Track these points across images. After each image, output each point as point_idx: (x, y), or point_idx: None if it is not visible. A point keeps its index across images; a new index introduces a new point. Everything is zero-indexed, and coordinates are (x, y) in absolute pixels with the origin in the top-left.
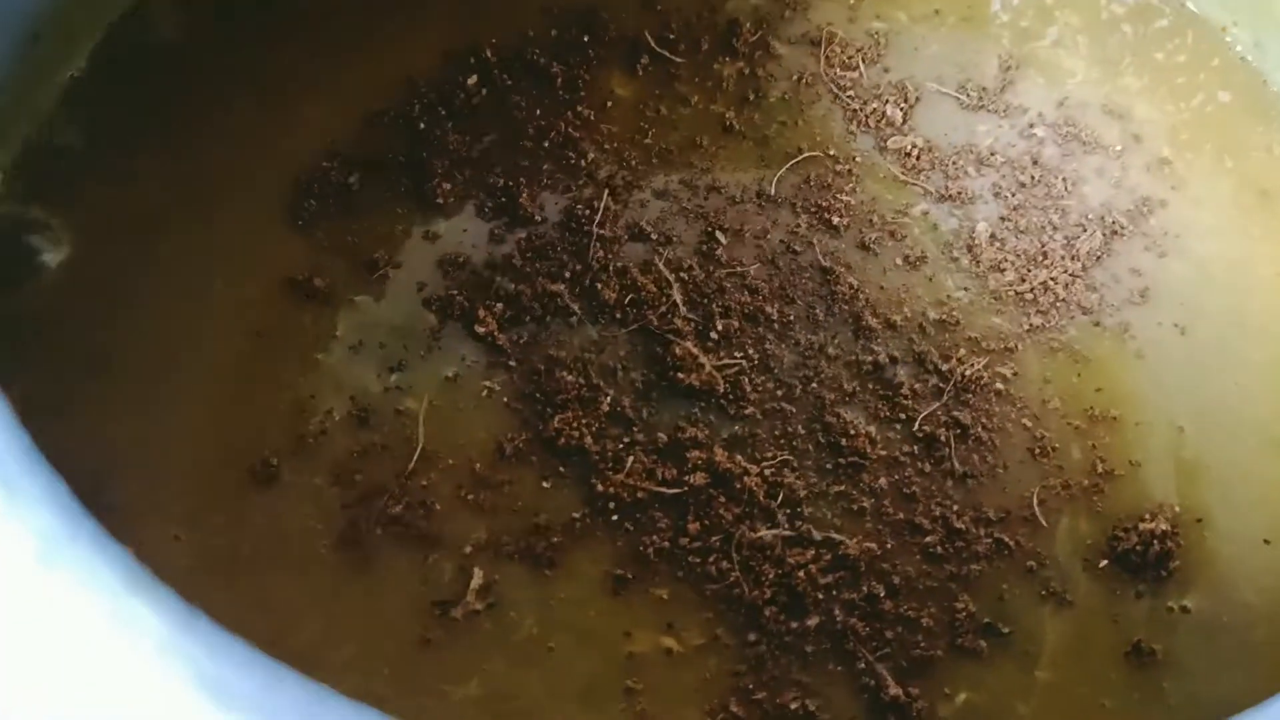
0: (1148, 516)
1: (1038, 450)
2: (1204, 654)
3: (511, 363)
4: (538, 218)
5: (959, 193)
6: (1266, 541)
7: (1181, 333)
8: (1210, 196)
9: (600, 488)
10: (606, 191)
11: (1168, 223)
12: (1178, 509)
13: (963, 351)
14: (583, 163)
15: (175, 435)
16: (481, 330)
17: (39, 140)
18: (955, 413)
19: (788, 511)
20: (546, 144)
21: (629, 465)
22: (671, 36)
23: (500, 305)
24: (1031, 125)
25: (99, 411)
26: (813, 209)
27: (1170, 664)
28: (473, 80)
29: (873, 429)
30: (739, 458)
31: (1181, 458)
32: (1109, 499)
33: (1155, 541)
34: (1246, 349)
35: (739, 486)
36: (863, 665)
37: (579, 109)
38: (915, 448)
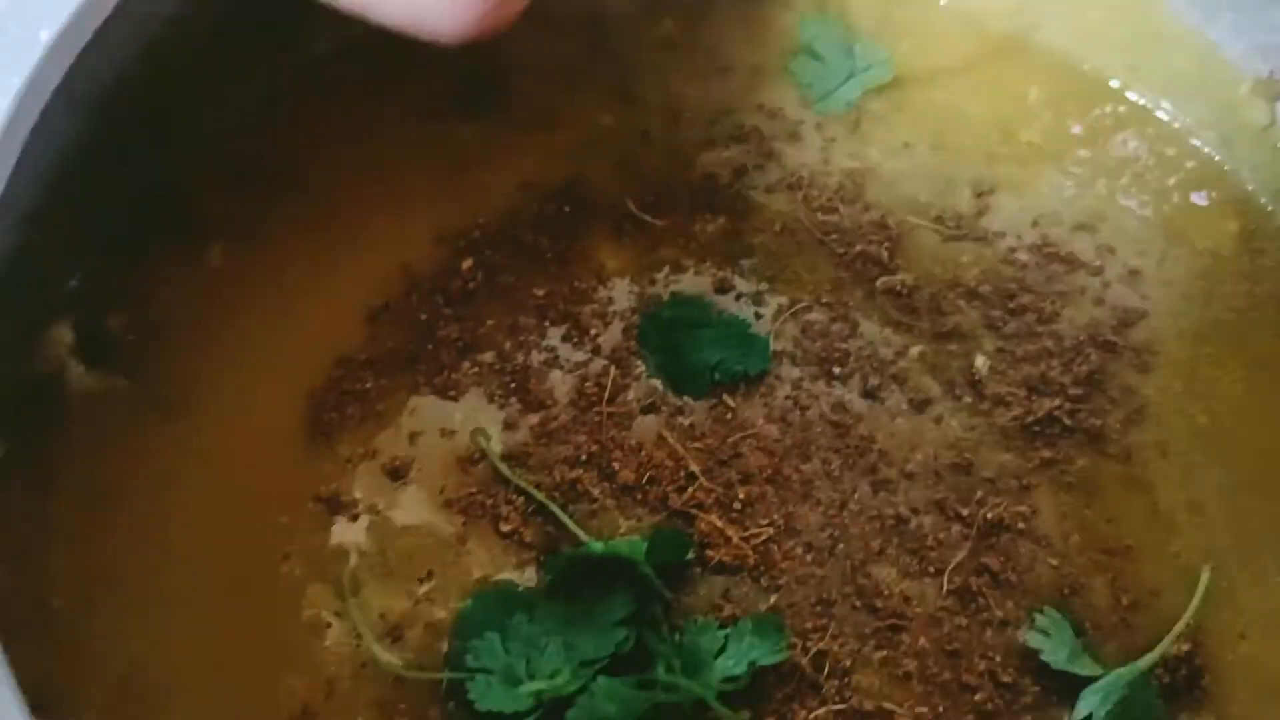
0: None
1: (1066, 589)
2: None
3: (541, 558)
4: (548, 401)
5: (954, 328)
6: (1242, 636)
7: (1163, 454)
8: (1175, 303)
9: None
10: (613, 366)
11: (1149, 335)
12: (1197, 629)
13: (980, 494)
14: (585, 338)
15: (207, 674)
16: (506, 528)
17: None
18: (983, 559)
19: (835, 683)
20: (547, 322)
21: None
22: (651, 199)
23: (522, 499)
24: (1012, 249)
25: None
26: (813, 360)
27: None
28: (468, 264)
29: (905, 586)
30: None
31: (1190, 579)
32: (1135, 630)
33: (1182, 666)
34: (1210, 466)
35: (784, 663)
36: None
37: (574, 283)
38: (950, 601)
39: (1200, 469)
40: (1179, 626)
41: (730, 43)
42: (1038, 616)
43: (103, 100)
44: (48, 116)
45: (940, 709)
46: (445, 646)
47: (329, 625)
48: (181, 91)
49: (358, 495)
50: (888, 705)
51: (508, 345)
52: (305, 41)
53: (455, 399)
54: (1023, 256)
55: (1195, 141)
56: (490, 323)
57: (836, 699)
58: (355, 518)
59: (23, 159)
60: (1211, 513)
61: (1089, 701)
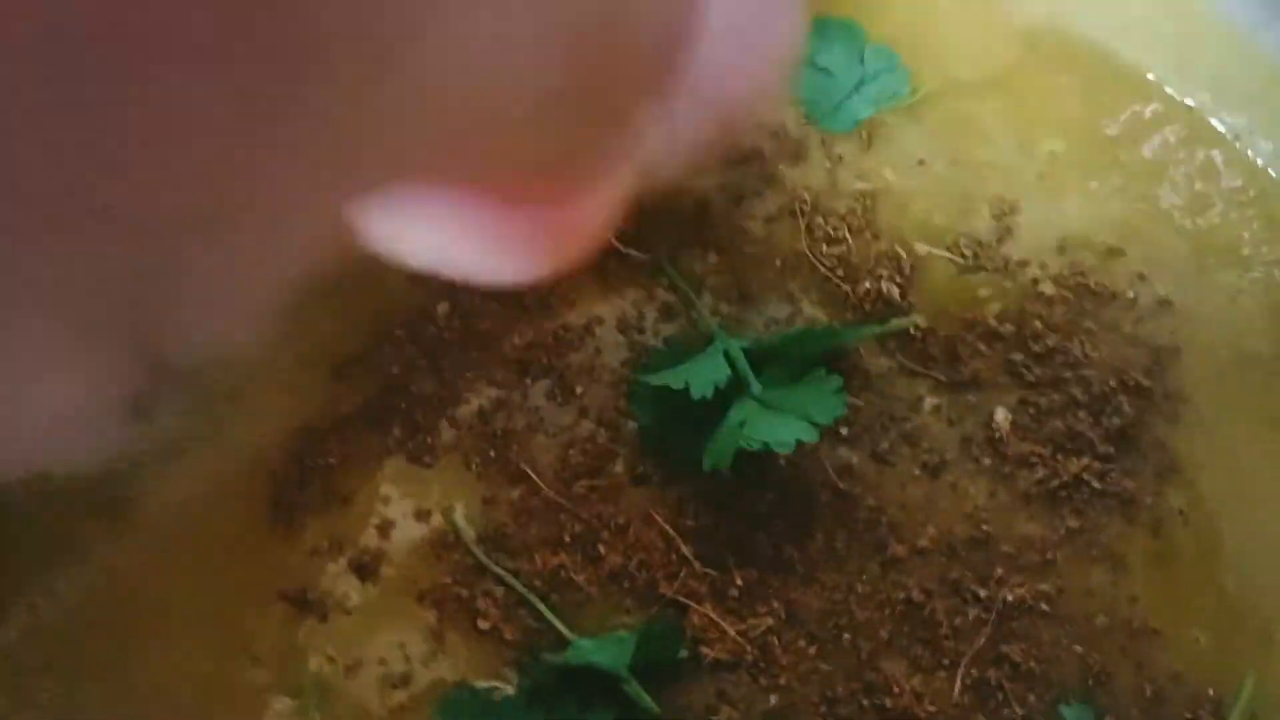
0: None
1: (1091, 680)
2: None
3: (523, 658)
4: (530, 472)
5: (972, 377)
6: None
7: (1186, 523)
8: (1204, 342)
9: None
10: (600, 430)
11: (1180, 379)
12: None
13: (1000, 572)
14: (571, 397)
15: None
16: (485, 625)
17: None
18: (1003, 647)
19: None
20: (529, 378)
21: None
22: (635, 231)
23: (501, 589)
24: (1036, 281)
25: None
26: None
27: None
28: (443, 308)
29: (917, 681)
30: None
31: (1209, 663)
32: None
33: None
34: (1228, 537)
35: None
36: None
37: (560, 331)
38: (966, 697)
39: (1219, 541)
40: None
41: None
42: (1066, 711)
43: None
44: None
45: None
46: None
47: None
48: None
49: (326, 592)
50: None
51: (488, 404)
52: None
53: (430, 466)
54: (1048, 289)
55: (1248, 151)
56: (469, 375)
57: None
58: (324, 618)
59: None
60: (1228, 591)
61: None
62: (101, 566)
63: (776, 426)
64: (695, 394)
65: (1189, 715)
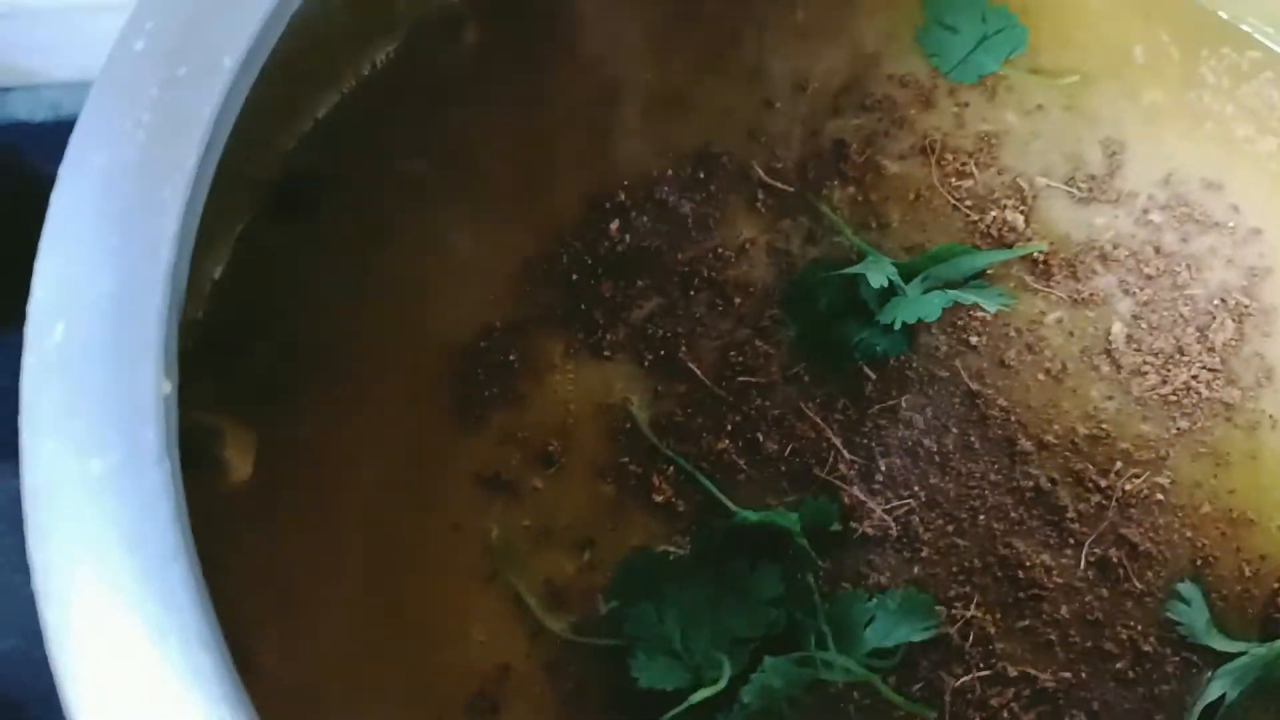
0: None
1: (1200, 560)
2: None
3: (694, 526)
4: (697, 370)
5: (1090, 295)
6: None
7: (1274, 426)
8: None
9: None
10: (756, 336)
11: (1274, 296)
12: None
13: (1119, 465)
14: (730, 307)
15: (376, 663)
16: (659, 499)
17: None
18: (1123, 530)
19: (980, 650)
20: (693, 291)
21: None
22: (779, 165)
23: (672, 469)
24: (1145, 210)
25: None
26: (949, 329)
27: None
28: (615, 225)
29: (1046, 557)
30: None
31: None
32: (1256, 599)
33: None
34: None
35: None
36: None
37: (718, 250)
38: (1091, 573)
39: None
40: None
41: (859, 16)
42: (1180, 587)
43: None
44: None
45: (1082, 674)
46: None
47: (503, 590)
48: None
49: (516, 475)
50: (1031, 671)
51: (657, 310)
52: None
53: (610, 359)
54: (1156, 217)
55: None
56: (639, 285)
57: (981, 665)
58: (516, 494)
59: None
60: None
61: (1223, 682)
62: (301, 449)
63: (981, 292)
64: (874, 284)
65: (1276, 585)
